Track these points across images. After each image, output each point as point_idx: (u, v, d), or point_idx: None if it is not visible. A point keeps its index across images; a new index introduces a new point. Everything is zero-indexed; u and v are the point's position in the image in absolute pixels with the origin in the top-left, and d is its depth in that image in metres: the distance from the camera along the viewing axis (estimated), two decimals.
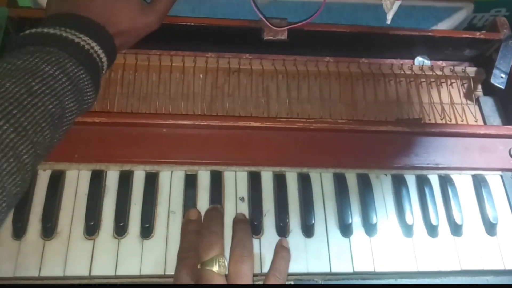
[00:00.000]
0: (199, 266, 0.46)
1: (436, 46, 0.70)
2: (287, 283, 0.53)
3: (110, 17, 0.50)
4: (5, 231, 0.51)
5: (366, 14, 0.74)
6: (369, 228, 0.56)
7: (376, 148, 0.60)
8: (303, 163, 0.59)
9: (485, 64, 0.70)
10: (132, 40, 0.55)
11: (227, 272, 0.48)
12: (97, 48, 0.47)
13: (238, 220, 0.54)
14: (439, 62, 0.72)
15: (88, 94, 0.47)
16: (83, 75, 0.45)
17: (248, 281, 0.46)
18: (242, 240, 0.51)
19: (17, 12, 0.61)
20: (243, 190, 0.57)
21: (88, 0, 0.49)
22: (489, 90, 0.69)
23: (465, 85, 0.70)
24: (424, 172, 0.61)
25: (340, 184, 0.58)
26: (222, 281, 0.44)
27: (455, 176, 0.61)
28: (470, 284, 0.56)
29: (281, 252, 0.52)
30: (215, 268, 0.45)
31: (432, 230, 0.57)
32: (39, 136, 0.40)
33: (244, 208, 0.56)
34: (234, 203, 0.56)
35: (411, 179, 0.60)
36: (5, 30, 0.60)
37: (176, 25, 0.63)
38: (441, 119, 0.66)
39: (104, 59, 0.48)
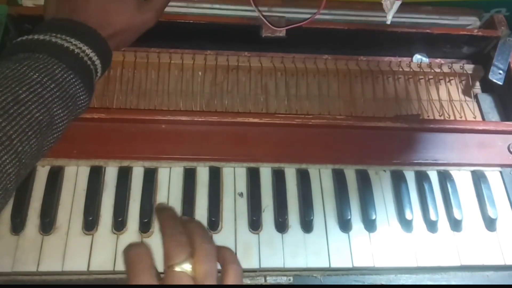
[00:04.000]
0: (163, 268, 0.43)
1: (434, 44, 0.70)
2: (286, 278, 0.53)
3: (107, 18, 0.50)
4: (4, 226, 0.51)
5: None
6: (368, 223, 0.56)
7: (375, 144, 0.61)
8: (302, 159, 0.59)
9: (483, 61, 0.70)
10: (131, 38, 0.55)
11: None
12: (89, 51, 0.47)
13: (189, 220, 0.46)
14: (437, 60, 0.72)
15: (81, 98, 0.46)
16: (74, 79, 0.45)
17: (215, 281, 0.44)
18: (204, 238, 0.44)
19: (17, 10, 0.61)
20: (242, 186, 0.57)
21: (84, 3, 0.49)
22: (488, 87, 0.69)
23: (464, 82, 0.70)
24: (423, 168, 0.61)
25: (339, 180, 0.58)
26: (192, 284, 0.43)
27: (454, 172, 0.61)
28: (463, 284, 0.56)
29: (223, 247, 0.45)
30: (187, 270, 0.42)
31: (431, 225, 0.57)
32: (25, 145, 0.39)
33: (243, 204, 0.56)
34: (233, 199, 0.56)
35: (410, 175, 0.60)
36: (5, 28, 0.60)
37: (175, 23, 0.63)
38: (440, 116, 0.66)
39: (97, 62, 0.48)
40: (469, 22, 0.73)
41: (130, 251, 0.43)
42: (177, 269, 0.41)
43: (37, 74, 0.42)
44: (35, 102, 0.41)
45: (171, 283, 0.40)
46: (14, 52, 0.45)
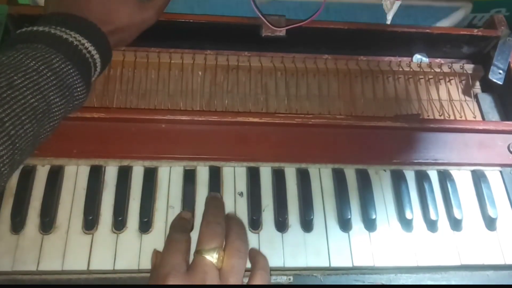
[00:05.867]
0: (193, 252, 0.46)
1: (434, 44, 0.70)
2: (286, 278, 0.53)
3: (107, 15, 0.50)
4: (4, 225, 0.51)
5: (365, 13, 0.74)
6: (368, 223, 0.56)
7: (375, 143, 0.60)
8: (302, 159, 0.59)
9: (483, 61, 0.70)
10: (131, 36, 0.55)
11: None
12: (88, 45, 0.47)
13: (232, 216, 0.53)
14: (437, 60, 0.72)
15: (78, 89, 0.46)
16: (71, 70, 0.45)
17: (239, 279, 0.45)
18: (240, 235, 0.49)
19: (17, 10, 0.61)
20: (242, 185, 0.57)
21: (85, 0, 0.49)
22: (488, 86, 0.69)
23: (464, 82, 0.70)
24: (423, 168, 0.61)
25: (339, 180, 0.58)
26: (216, 274, 0.44)
27: (454, 172, 0.61)
28: (463, 284, 0.55)
29: (259, 254, 0.50)
30: (214, 259, 0.45)
31: (431, 225, 0.57)
32: (19, 129, 0.39)
33: (243, 203, 0.56)
34: (233, 198, 0.56)
35: (410, 175, 0.60)
36: (5, 28, 0.60)
37: (175, 22, 0.63)
38: (440, 116, 0.66)
39: (96, 56, 0.48)
40: (461, 5, 0.75)
41: (177, 231, 0.48)
42: (205, 255, 0.43)
43: (33, 62, 0.42)
44: (30, 88, 0.41)
45: (195, 268, 0.43)
46: (13, 43, 0.45)
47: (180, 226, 0.50)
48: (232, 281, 0.44)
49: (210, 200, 0.52)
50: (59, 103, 0.44)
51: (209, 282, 0.43)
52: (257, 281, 0.46)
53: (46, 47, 0.44)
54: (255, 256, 0.50)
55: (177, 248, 0.46)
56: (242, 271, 0.46)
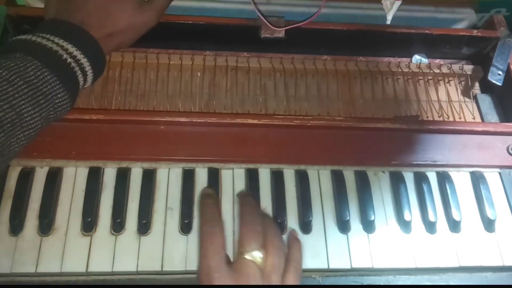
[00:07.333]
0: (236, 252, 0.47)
1: (434, 44, 0.70)
2: None
3: (106, 18, 0.50)
4: (2, 227, 0.51)
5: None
6: (367, 224, 0.56)
7: (374, 145, 0.60)
8: (301, 160, 0.59)
9: (483, 61, 0.70)
10: (131, 38, 0.55)
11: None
12: (72, 49, 0.46)
13: (264, 214, 0.55)
14: (437, 60, 0.72)
15: (59, 95, 0.45)
16: (48, 77, 0.44)
17: (280, 276, 0.47)
18: (277, 233, 0.51)
19: (16, 11, 0.61)
20: (241, 187, 0.57)
21: (84, 3, 0.49)
22: (487, 87, 0.69)
23: (463, 83, 0.70)
24: (422, 169, 0.61)
25: (338, 181, 0.58)
26: (258, 274, 0.45)
27: (453, 173, 0.61)
28: (461, 285, 0.56)
29: (295, 243, 0.53)
30: (256, 259, 0.45)
31: (430, 226, 0.57)
32: None
33: None
34: (232, 200, 0.56)
35: (409, 176, 0.60)
36: (4, 28, 0.60)
37: (174, 23, 0.63)
38: (439, 117, 0.66)
39: (84, 60, 0.47)
40: (464, 16, 0.74)
41: (206, 228, 0.49)
42: (247, 256, 0.44)
43: (5, 72, 0.42)
44: None
45: (239, 270, 0.44)
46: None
47: (210, 216, 0.50)
48: (274, 279, 0.46)
49: (242, 198, 0.53)
50: (32, 112, 0.43)
51: (253, 282, 0.44)
52: (289, 272, 0.48)
53: (24, 56, 0.43)
54: (290, 246, 0.52)
55: (213, 248, 0.46)
56: (282, 268, 0.48)
